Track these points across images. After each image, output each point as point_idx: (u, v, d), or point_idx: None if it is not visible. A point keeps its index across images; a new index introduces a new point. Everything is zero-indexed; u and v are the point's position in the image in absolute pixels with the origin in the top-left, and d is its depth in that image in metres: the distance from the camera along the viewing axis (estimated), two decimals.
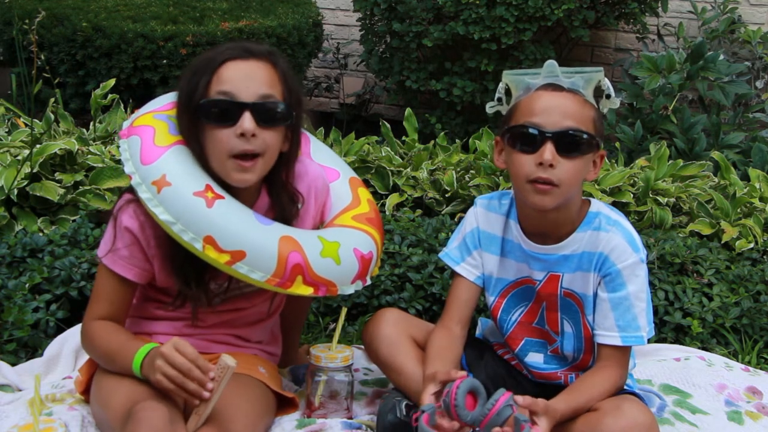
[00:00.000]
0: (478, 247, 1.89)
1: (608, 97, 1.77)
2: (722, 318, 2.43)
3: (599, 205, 1.83)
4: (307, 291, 1.73)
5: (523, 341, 1.89)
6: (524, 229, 1.84)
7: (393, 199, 3.03)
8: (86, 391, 1.87)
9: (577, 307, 1.83)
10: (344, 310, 1.93)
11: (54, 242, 2.46)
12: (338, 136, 3.45)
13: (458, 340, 1.86)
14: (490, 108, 1.82)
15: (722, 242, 2.83)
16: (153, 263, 1.77)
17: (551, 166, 1.68)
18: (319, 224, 1.92)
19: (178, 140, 1.73)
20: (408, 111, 3.58)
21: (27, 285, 2.28)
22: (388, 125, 3.50)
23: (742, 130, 3.98)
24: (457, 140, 3.53)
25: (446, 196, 3.04)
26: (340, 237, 1.81)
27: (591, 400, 1.71)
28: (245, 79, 1.69)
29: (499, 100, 1.79)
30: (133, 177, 1.70)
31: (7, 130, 3.20)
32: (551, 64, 1.74)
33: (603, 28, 4.53)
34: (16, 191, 2.68)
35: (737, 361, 2.34)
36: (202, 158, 1.72)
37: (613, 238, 1.77)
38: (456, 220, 2.92)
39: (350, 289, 1.81)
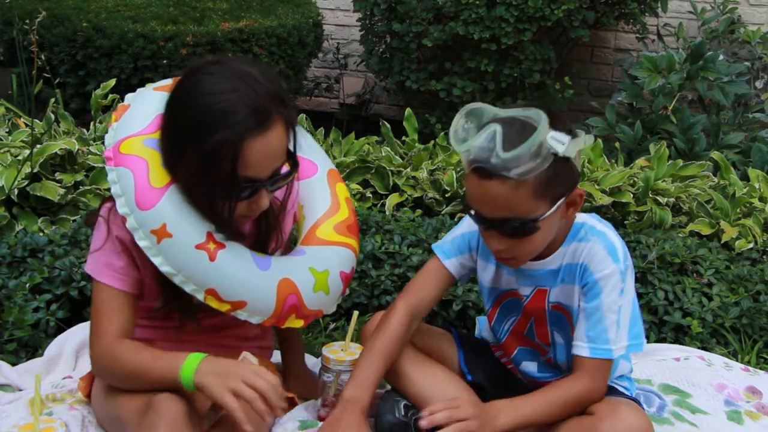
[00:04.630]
0: (475, 251, 1.85)
1: (562, 143, 1.55)
2: (722, 318, 2.43)
3: (585, 217, 1.77)
4: (299, 323, 1.78)
5: (516, 350, 1.88)
6: None
7: (393, 199, 3.03)
8: (88, 395, 1.86)
9: (566, 318, 1.79)
10: (356, 314, 1.95)
11: (54, 242, 2.46)
12: (338, 136, 3.45)
13: (406, 335, 1.83)
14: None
15: (722, 242, 2.83)
16: (142, 271, 1.73)
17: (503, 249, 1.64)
18: (294, 217, 1.92)
19: (171, 180, 1.65)
20: (408, 111, 3.58)
21: (27, 285, 2.28)
22: (388, 125, 3.50)
23: (742, 130, 3.98)
24: None
25: (446, 196, 3.04)
26: (328, 262, 1.82)
27: (543, 411, 1.67)
28: (266, 160, 1.61)
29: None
30: (129, 220, 1.63)
31: (7, 130, 3.20)
32: (479, 149, 1.56)
33: (603, 29, 4.53)
34: (16, 191, 2.68)
35: (737, 361, 2.35)
36: (207, 212, 1.66)
37: (593, 247, 1.70)
38: (456, 220, 2.92)
39: (333, 309, 1.86)
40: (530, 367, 1.88)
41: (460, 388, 1.84)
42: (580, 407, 1.68)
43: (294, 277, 1.74)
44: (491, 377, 1.92)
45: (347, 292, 2.45)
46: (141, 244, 1.63)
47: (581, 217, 1.76)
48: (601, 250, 1.70)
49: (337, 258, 1.84)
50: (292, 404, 1.93)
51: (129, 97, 1.78)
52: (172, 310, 1.78)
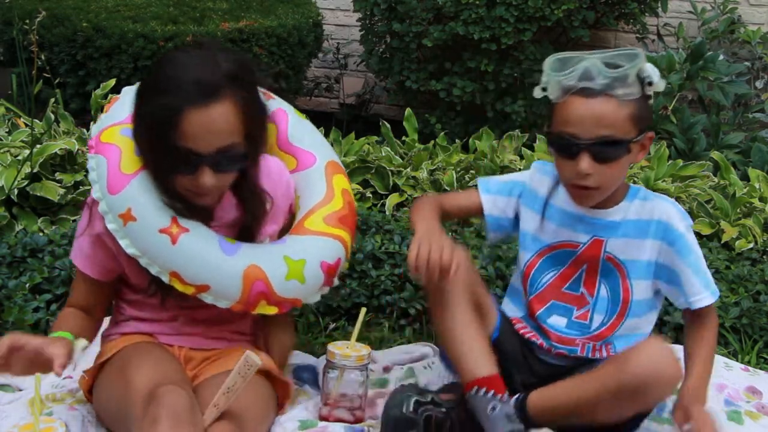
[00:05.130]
0: (519, 198, 1.93)
1: (650, 83, 1.74)
2: (722, 318, 2.43)
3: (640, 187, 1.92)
4: (272, 310, 1.78)
5: (549, 303, 1.90)
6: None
7: (393, 199, 3.03)
8: (91, 391, 1.87)
9: (618, 272, 1.85)
10: (364, 310, 1.95)
11: (54, 242, 2.46)
12: (338, 136, 3.45)
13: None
14: (537, 94, 1.80)
15: (722, 242, 2.83)
16: (121, 261, 1.81)
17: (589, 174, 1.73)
18: (290, 218, 1.92)
19: (142, 166, 1.73)
20: (408, 111, 3.58)
21: (27, 285, 2.28)
22: (388, 125, 3.50)
23: (742, 130, 3.98)
24: (457, 140, 3.53)
25: None
26: (307, 252, 1.81)
27: (709, 371, 1.85)
28: (206, 133, 1.64)
29: (544, 89, 1.78)
30: (101, 204, 1.73)
31: (7, 130, 3.21)
32: (587, 69, 1.72)
33: (603, 29, 4.52)
34: (16, 191, 2.68)
35: (737, 361, 2.35)
36: (168, 191, 1.72)
37: (664, 205, 1.85)
38: (455, 219, 2.92)
39: (315, 298, 1.86)
40: (559, 322, 1.89)
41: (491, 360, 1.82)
42: None
43: (263, 265, 1.75)
44: (510, 354, 1.90)
45: (348, 291, 2.45)
46: (110, 227, 1.72)
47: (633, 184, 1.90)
48: (671, 207, 1.85)
49: (318, 248, 1.83)
50: (287, 395, 1.92)
51: (125, 90, 1.88)
52: (158, 291, 1.81)
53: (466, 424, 1.82)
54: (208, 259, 1.72)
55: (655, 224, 1.83)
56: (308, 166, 1.96)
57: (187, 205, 1.74)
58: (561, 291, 1.89)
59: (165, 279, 1.72)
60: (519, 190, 1.94)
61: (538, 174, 1.94)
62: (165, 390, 1.58)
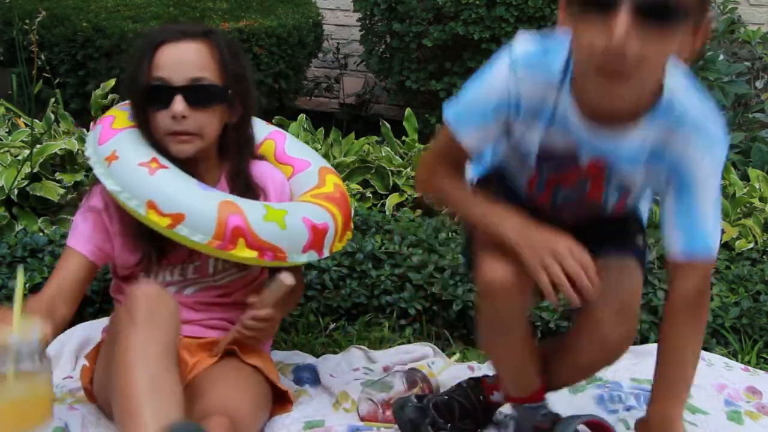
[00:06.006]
0: (513, 112, 1.51)
1: None
2: (722, 318, 2.43)
3: (675, 88, 1.44)
4: (251, 254, 1.75)
5: (556, 193, 1.67)
6: (580, 102, 1.47)
7: (393, 199, 3.03)
8: (91, 382, 1.89)
9: (624, 189, 1.62)
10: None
11: (54, 242, 2.46)
12: (338, 136, 3.45)
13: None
14: None
15: (722, 242, 2.83)
16: (114, 242, 1.84)
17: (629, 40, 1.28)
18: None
19: (133, 125, 1.84)
20: (408, 111, 3.58)
21: (27, 285, 2.28)
22: (388, 125, 3.50)
23: (742, 131, 3.98)
24: None
25: None
26: (288, 207, 1.84)
27: (692, 374, 1.59)
28: (177, 63, 1.77)
29: None
30: (91, 158, 1.82)
31: (7, 130, 3.20)
32: None
33: None
34: (16, 191, 2.68)
35: (737, 361, 2.35)
36: (150, 137, 1.81)
37: (690, 136, 1.46)
38: (456, 219, 2.92)
39: (302, 258, 1.82)
40: (570, 198, 1.66)
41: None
42: None
43: (240, 202, 1.77)
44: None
45: (348, 291, 2.45)
46: (96, 172, 1.79)
47: (669, 91, 1.44)
48: (700, 137, 1.47)
49: (302, 207, 1.86)
50: (287, 401, 1.93)
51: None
52: (148, 259, 1.85)
53: (471, 405, 1.85)
54: (183, 188, 1.76)
55: (669, 155, 1.48)
56: (303, 169, 2.02)
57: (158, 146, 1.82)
58: (569, 191, 1.65)
59: (142, 212, 1.73)
60: (513, 108, 1.51)
61: (530, 76, 1.48)
62: (136, 285, 1.66)
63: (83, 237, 1.83)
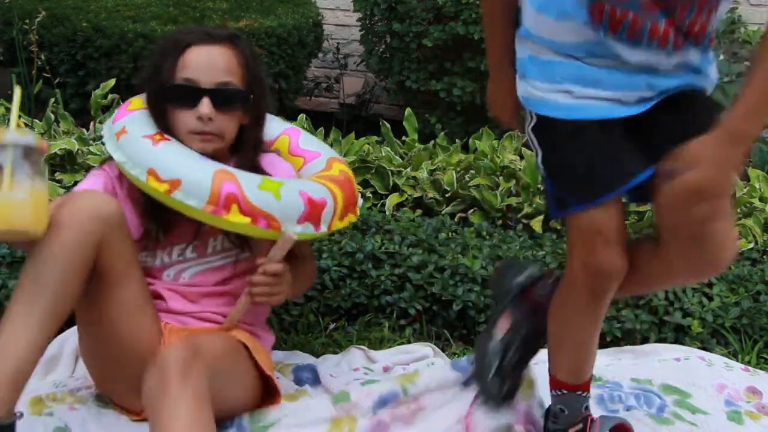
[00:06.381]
0: None
1: None
2: (722, 318, 2.43)
3: None
4: (244, 220, 1.76)
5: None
6: None
7: (393, 199, 3.03)
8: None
9: None
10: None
11: None
12: (338, 136, 3.45)
13: None
14: None
15: None
16: (122, 202, 1.88)
17: None
18: None
19: (146, 107, 1.92)
20: (408, 111, 3.58)
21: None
22: (388, 125, 3.50)
23: None
24: (457, 140, 3.53)
25: (446, 196, 3.04)
26: (286, 180, 1.87)
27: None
28: (206, 65, 1.84)
29: None
30: (105, 137, 1.90)
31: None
32: None
33: None
34: None
35: (737, 361, 2.35)
36: (164, 125, 1.87)
37: None
38: (456, 220, 2.92)
39: (297, 228, 1.81)
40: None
41: None
42: None
43: (236, 172, 1.81)
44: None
45: (348, 291, 2.45)
46: (107, 146, 1.87)
47: None
48: None
49: (300, 182, 1.89)
50: (275, 396, 1.94)
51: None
52: (151, 237, 1.90)
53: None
54: (182, 157, 1.81)
55: None
56: (313, 158, 2.07)
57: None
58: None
59: (143, 178, 1.78)
60: None
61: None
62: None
63: (93, 186, 1.89)
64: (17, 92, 1.65)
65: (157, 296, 1.91)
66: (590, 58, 1.54)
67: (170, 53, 1.85)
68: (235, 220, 1.76)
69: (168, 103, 1.86)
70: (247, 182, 1.79)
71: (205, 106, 1.83)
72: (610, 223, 1.56)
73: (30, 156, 1.56)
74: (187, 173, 1.77)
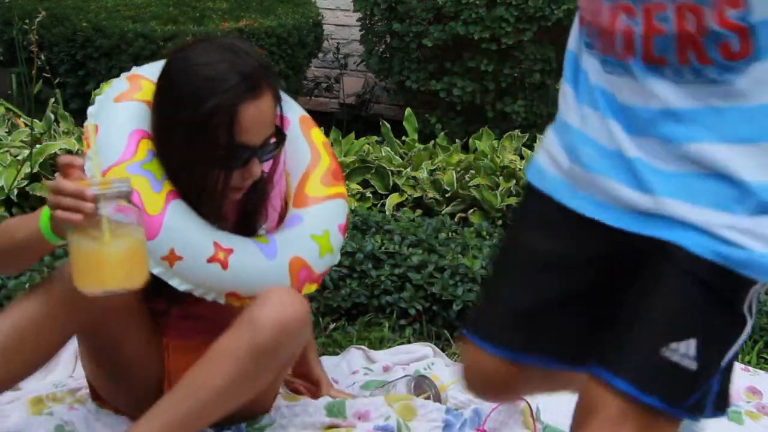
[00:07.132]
0: None
1: None
2: None
3: None
4: (313, 287, 1.81)
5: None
6: None
7: (393, 199, 3.03)
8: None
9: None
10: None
11: None
12: (338, 136, 3.45)
13: None
14: None
15: None
16: None
17: None
18: (282, 188, 1.90)
19: (165, 195, 1.64)
20: (408, 111, 3.58)
21: (27, 285, 2.28)
22: (388, 125, 3.50)
23: None
24: (457, 140, 3.53)
25: (446, 196, 3.04)
26: (325, 222, 1.85)
27: None
28: (258, 125, 1.63)
29: None
30: (150, 260, 1.57)
31: (7, 130, 3.20)
32: None
33: None
34: (16, 191, 2.68)
35: (737, 361, 2.34)
36: (203, 195, 1.67)
37: None
38: (456, 220, 2.92)
39: (338, 258, 1.90)
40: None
41: None
42: None
43: (301, 253, 1.77)
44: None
45: (348, 291, 2.45)
46: (155, 271, 1.61)
47: None
48: None
49: (331, 214, 1.87)
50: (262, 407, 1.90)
51: (91, 112, 1.71)
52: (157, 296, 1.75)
53: None
54: (257, 271, 1.70)
55: None
56: (285, 129, 1.87)
57: (215, 217, 1.70)
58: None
59: (222, 301, 1.70)
60: None
61: None
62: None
63: None
64: (91, 128, 1.51)
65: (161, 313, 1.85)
66: None
67: (219, 114, 1.58)
68: (307, 291, 1.79)
69: (220, 167, 1.63)
70: (312, 258, 1.78)
71: (257, 166, 1.66)
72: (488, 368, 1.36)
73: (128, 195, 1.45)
74: (269, 285, 1.70)
